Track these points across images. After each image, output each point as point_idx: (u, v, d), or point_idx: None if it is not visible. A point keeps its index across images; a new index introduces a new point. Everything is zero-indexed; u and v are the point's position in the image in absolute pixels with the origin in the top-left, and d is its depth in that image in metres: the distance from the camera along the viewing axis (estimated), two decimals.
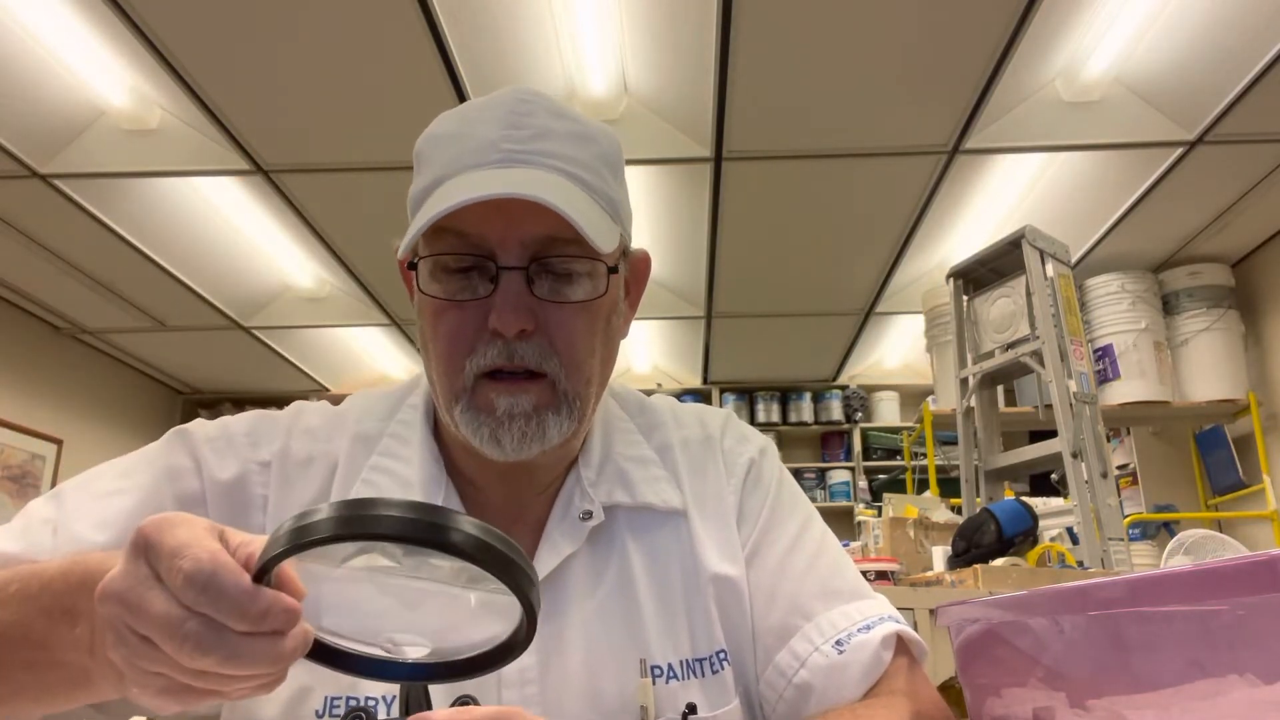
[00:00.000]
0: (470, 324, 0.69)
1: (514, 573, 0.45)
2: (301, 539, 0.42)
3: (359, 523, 0.42)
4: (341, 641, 0.49)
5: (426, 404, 0.80)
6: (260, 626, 0.43)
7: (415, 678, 0.50)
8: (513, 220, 0.67)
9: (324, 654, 0.49)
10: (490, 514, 0.76)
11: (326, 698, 0.68)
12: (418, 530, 0.43)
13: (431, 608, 0.50)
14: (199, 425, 0.77)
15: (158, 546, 0.44)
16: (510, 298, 0.68)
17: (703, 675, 0.74)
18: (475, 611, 0.50)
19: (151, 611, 0.43)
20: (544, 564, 0.72)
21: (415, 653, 0.50)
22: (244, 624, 0.43)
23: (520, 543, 0.75)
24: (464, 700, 0.54)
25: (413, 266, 0.71)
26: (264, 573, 0.43)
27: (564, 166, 0.69)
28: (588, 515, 0.76)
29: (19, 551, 0.66)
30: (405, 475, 0.75)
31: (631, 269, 0.79)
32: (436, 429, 0.79)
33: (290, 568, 0.45)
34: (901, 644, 0.76)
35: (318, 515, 0.43)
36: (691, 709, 0.71)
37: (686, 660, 0.74)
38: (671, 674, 0.73)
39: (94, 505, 0.70)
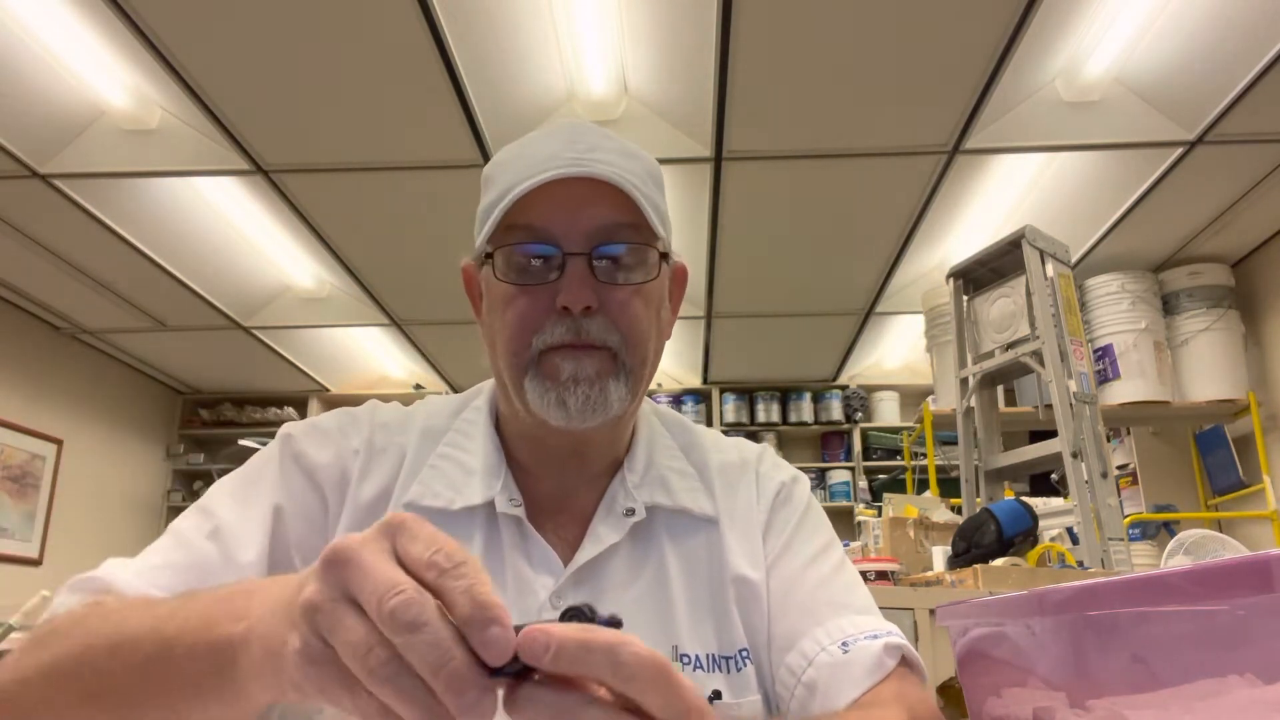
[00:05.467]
0: (539, 306, 0.77)
1: None
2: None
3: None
4: None
5: (490, 404, 0.89)
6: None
7: None
8: (575, 212, 0.76)
9: None
10: (542, 501, 0.83)
11: None
12: None
13: None
14: (293, 426, 0.86)
15: (363, 589, 0.40)
16: (576, 279, 0.75)
17: (727, 671, 0.79)
18: None
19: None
20: (587, 551, 0.80)
21: None
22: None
23: (567, 532, 0.81)
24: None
25: (483, 265, 0.79)
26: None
27: (618, 172, 0.77)
28: (630, 512, 0.83)
29: (184, 560, 0.72)
30: (468, 462, 0.83)
31: (673, 277, 0.88)
32: (498, 425, 0.88)
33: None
34: (904, 658, 0.79)
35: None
36: (716, 695, 0.77)
37: (713, 655, 0.80)
38: (699, 665, 0.78)
39: (242, 509, 0.77)
